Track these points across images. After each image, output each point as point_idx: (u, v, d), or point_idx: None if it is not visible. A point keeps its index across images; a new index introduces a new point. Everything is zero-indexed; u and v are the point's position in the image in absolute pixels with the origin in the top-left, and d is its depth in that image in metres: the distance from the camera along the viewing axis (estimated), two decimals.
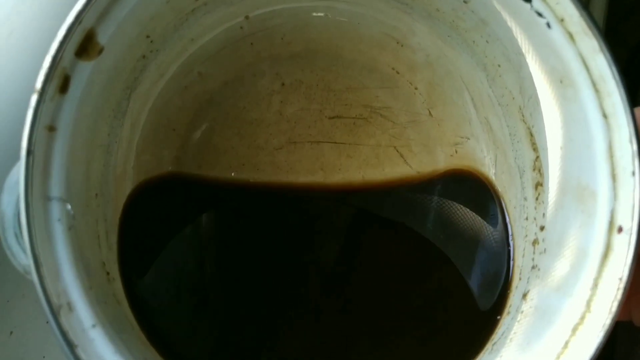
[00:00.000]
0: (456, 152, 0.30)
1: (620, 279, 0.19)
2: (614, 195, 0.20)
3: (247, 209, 0.31)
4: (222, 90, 0.31)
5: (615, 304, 0.19)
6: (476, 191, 0.29)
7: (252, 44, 0.30)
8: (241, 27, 0.29)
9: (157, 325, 0.26)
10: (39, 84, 0.19)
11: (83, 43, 0.20)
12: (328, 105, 0.31)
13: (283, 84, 0.31)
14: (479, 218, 0.29)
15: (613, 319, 0.19)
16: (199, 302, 0.29)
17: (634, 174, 0.19)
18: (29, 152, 0.19)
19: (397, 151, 0.31)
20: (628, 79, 0.20)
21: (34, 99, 0.19)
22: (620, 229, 0.20)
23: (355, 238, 0.31)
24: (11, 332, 0.31)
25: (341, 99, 0.31)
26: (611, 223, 0.20)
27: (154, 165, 0.29)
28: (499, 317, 0.26)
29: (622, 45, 0.53)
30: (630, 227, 0.19)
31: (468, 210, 0.30)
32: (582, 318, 0.20)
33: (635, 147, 0.19)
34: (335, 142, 0.31)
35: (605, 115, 0.20)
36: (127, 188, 0.28)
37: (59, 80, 0.20)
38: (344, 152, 0.31)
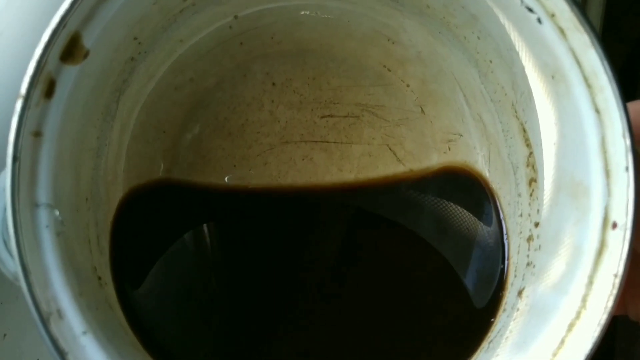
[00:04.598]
0: (449, 149, 0.30)
1: (615, 276, 0.19)
2: (608, 191, 0.20)
3: (241, 211, 0.31)
4: (213, 90, 0.30)
5: (611, 301, 0.19)
6: (470, 188, 0.29)
7: (241, 43, 0.30)
8: (230, 27, 0.29)
9: (151, 329, 0.26)
10: (23, 90, 0.19)
11: (68, 47, 0.20)
12: (319, 104, 0.31)
13: (274, 84, 0.31)
14: (474, 215, 0.29)
15: (609, 316, 0.19)
16: (194, 306, 0.29)
17: (627, 169, 0.19)
18: (15, 158, 0.19)
19: (390, 149, 0.31)
20: (628, 75, 0.19)
21: (18, 104, 0.19)
22: (614, 225, 0.20)
23: (349, 238, 0.31)
24: (5, 335, 0.30)
25: (333, 97, 0.31)
26: (605, 219, 0.20)
27: (145, 167, 0.29)
28: (494, 315, 0.26)
29: (622, 41, 0.53)
30: (624, 223, 0.19)
31: (462, 207, 0.29)
32: (578, 315, 0.20)
33: (628, 142, 0.19)
34: (328, 142, 0.31)
35: (597, 111, 0.20)
36: (118, 191, 0.28)
37: (44, 85, 0.20)
38: (336, 151, 0.31)
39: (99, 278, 0.24)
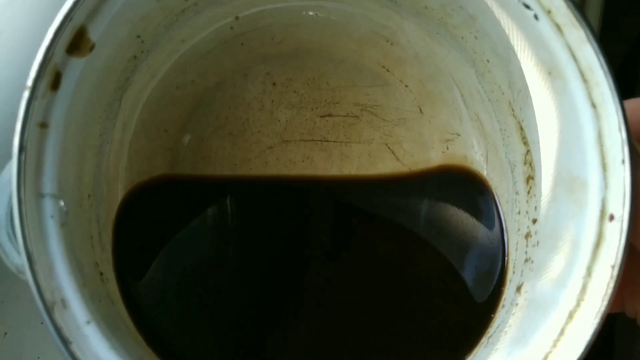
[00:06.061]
0: (447, 148, 0.30)
1: (613, 267, 0.19)
2: (605, 184, 0.20)
3: (241, 207, 0.31)
4: (214, 90, 0.31)
5: (609, 292, 0.19)
6: (468, 187, 0.29)
7: (242, 44, 0.30)
8: (231, 28, 0.29)
9: (153, 325, 0.26)
10: (30, 81, 0.19)
11: (74, 39, 0.20)
12: (319, 104, 0.31)
13: (274, 84, 0.31)
14: (472, 213, 0.29)
15: (606, 308, 0.19)
16: (196, 301, 0.29)
17: (623, 162, 0.19)
18: (22, 148, 0.19)
19: (389, 149, 0.31)
20: (627, 74, 0.20)
21: (25, 95, 0.19)
22: (611, 217, 0.20)
23: (348, 236, 0.31)
24: (5, 333, 0.30)
25: (332, 97, 0.31)
26: (602, 212, 0.20)
27: (146, 166, 0.29)
28: (494, 311, 0.26)
29: (621, 40, 0.53)
30: (621, 214, 0.19)
31: (461, 205, 0.30)
32: (576, 308, 0.20)
33: (624, 135, 0.19)
34: (327, 141, 0.32)
35: (594, 105, 0.20)
36: (120, 189, 0.28)
37: (51, 77, 0.20)
38: (335, 150, 0.31)
39: (101, 274, 0.24)
